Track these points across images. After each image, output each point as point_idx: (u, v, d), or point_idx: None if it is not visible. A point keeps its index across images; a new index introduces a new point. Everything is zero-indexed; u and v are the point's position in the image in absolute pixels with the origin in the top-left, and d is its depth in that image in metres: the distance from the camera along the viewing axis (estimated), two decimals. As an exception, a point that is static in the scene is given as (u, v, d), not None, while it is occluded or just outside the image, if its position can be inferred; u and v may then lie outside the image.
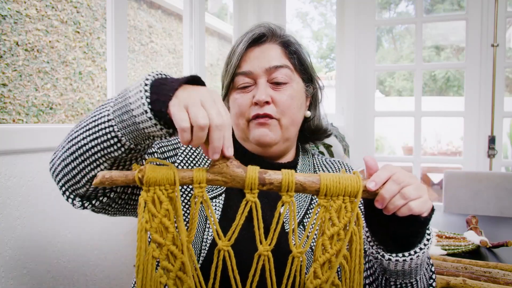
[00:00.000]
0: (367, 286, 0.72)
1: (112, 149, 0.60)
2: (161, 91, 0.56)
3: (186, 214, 0.76)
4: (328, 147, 2.20)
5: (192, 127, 0.53)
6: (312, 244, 0.77)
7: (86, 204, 0.68)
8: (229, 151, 0.56)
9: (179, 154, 0.81)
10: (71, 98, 2.60)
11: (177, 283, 0.55)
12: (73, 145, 0.64)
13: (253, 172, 0.56)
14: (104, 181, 0.55)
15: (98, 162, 0.62)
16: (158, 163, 0.68)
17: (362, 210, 0.72)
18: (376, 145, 5.56)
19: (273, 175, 0.56)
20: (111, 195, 0.69)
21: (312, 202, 0.83)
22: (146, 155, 0.75)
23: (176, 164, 0.80)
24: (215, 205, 0.78)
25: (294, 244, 0.57)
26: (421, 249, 0.63)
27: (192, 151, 0.83)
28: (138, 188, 0.73)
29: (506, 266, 1.06)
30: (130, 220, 1.36)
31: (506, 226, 1.59)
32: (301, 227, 0.78)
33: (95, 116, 0.63)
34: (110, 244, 1.30)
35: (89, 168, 0.63)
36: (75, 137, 0.64)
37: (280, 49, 0.83)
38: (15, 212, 0.99)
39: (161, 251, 0.55)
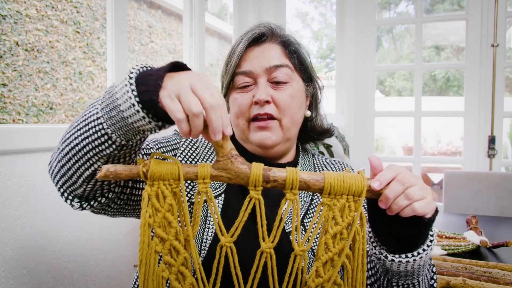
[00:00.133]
0: (368, 286, 0.72)
1: (103, 146, 0.60)
2: (148, 81, 0.55)
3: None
4: (328, 147, 2.20)
5: (187, 116, 0.53)
6: (313, 243, 0.77)
7: (84, 205, 0.68)
8: (228, 130, 0.55)
9: (178, 154, 0.81)
10: (71, 98, 2.60)
11: (179, 278, 0.55)
12: (66, 145, 0.63)
13: (257, 169, 0.56)
14: (108, 174, 0.54)
15: (91, 161, 0.61)
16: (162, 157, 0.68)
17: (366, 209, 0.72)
18: (376, 145, 5.56)
19: (278, 173, 0.56)
20: (110, 195, 0.69)
21: (313, 202, 0.82)
22: (140, 154, 0.75)
23: None
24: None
25: (297, 242, 0.57)
26: (424, 250, 0.63)
27: (192, 151, 0.83)
28: (137, 189, 0.73)
29: (506, 266, 1.06)
30: (130, 220, 1.36)
31: (506, 226, 1.59)
32: (301, 227, 0.78)
33: (85, 115, 0.63)
34: (110, 244, 1.30)
35: (83, 168, 0.62)
36: (68, 138, 0.64)
37: (280, 48, 0.83)
38: (15, 212, 0.99)
39: (163, 246, 0.55)
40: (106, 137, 0.59)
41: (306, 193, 0.83)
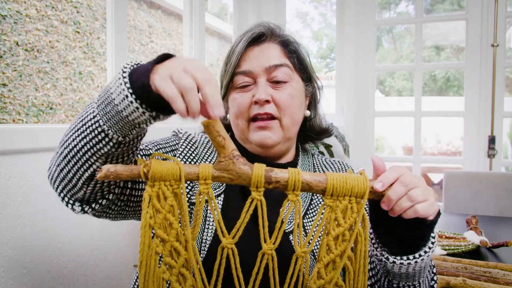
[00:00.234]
0: (369, 287, 0.72)
1: (101, 145, 0.59)
2: (139, 70, 0.55)
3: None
4: (328, 147, 2.20)
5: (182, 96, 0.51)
6: (315, 245, 0.77)
7: (86, 208, 0.68)
8: (221, 110, 0.53)
9: (177, 155, 0.81)
10: (71, 98, 2.60)
11: (179, 279, 0.55)
12: (64, 148, 0.64)
13: (259, 170, 0.56)
14: (108, 174, 0.54)
15: (90, 162, 0.61)
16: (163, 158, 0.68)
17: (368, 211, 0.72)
18: (376, 145, 5.56)
19: (280, 174, 0.56)
20: (110, 197, 0.69)
21: (312, 202, 0.82)
22: (139, 156, 0.75)
23: None
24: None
25: (299, 244, 0.57)
26: (425, 252, 0.62)
27: (190, 151, 0.82)
28: (136, 189, 0.73)
29: (506, 266, 1.06)
30: (130, 220, 1.36)
31: (506, 226, 1.59)
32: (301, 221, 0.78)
33: (82, 116, 0.63)
34: (110, 244, 1.30)
35: (82, 169, 0.62)
36: (66, 141, 0.64)
37: (279, 48, 0.83)
38: (15, 212, 0.99)
39: (164, 247, 0.55)
40: (103, 134, 0.59)
41: (306, 193, 0.83)
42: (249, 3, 2.38)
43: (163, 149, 0.81)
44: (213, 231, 0.74)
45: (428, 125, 6.86)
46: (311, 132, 0.91)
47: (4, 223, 0.96)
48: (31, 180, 1.03)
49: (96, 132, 0.59)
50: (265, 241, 0.56)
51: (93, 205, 0.68)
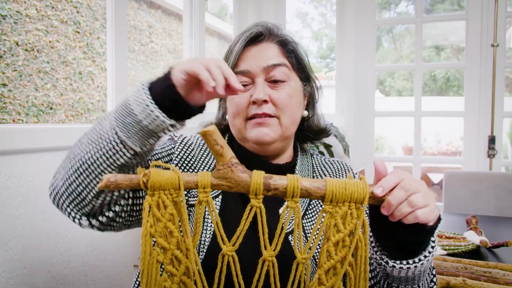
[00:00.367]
0: None
1: (118, 155, 0.62)
2: (157, 80, 0.64)
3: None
4: (328, 147, 2.20)
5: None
6: (316, 251, 0.76)
7: (93, 222, 0.69)
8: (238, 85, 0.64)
9: (173, 158, 0.81)
10: (71, 98, 2.60)
11: (181, 287, 0.55)
12: (76, 162, 0.65)
13: (258, 177, 0.55)
14: (109, 184, 0.55)
15: (104, 173, 0.63)
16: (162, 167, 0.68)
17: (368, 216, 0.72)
18: (376, 145, 5.56)
19: (278, 181, 0.56)
20: (116, 209, 0.70)
21: (311, 203, 0.82)
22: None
23: None
24: None
25: (299, 250, 0.57)
26: (425, 256, 0.62)
27: (186, 154, 0.82)
28: (138, 198, 0.73)
29: (506, 266, 1.06)
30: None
31: (506, 226, 1.59)
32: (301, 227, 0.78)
33: (96, 130, 0.66)
34: (110, 244, 1.30)
35: (94, 181, 0.64)
36: (78, 154, 0.65)
37: (277, 48, 0.82)
38: (15, 212, 0.99)
39: (165, 256, 0.55)
40: (121, 145, 0.62)
41: None
42: (249, 3, 2.38)
43: (159, 154, 0.81)
44: (212, 233, 0.74)
45: (428, 125, 6.86)
46: (309, 132, 0.91)
47: (4, 223, 0.96)
48: (31, 180, 1.03)
49: (114, 143, 0.62)
50: (265, 248, 0.56)
51: (99, 218, 0.69)
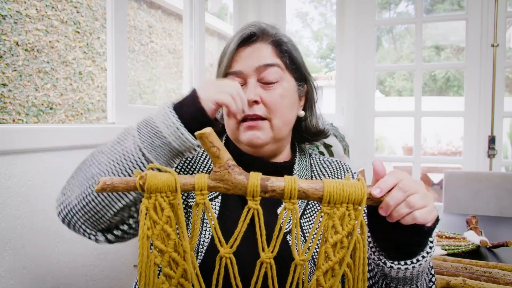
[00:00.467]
0: None
1: None
2: (185, 102, 0.69)
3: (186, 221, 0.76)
4: (328, 147, 2.20)
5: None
6: (314, 252, 0.76)
7: (109, 237, 0.71)
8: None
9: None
10: (71, 98, 2.60)
11: None
12: (95, 181, 0.66)
13: (255, 179, 0.55)
14: (105, 187, 0.55)
15: (126, 193, 0.65)
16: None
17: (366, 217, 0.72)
18: (376, 145, 5.56)
19: (276, 182, 0.55)
20: (130, 221, 0.71)
21: (309, 203, 0.82)
22: None
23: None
24: (212, 207, 0.77)
25: (297, 251, 0.57)
26: (423, 257, 0.62)
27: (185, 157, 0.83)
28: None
29: (506, 266, 1.06)
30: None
31: (506, 226, 1.59)
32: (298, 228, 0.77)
33: (115, 150, 0.67)
34: (110, 244, 1.30)
35: (117, 201, 0.66)
36: (97, 174, 0.66)
37: (271, 48, 0.81)
38: (15, 212, 0.99)
39: (163, 258, 0.55)
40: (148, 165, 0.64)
41: None
42: (249, 3, 2.38)
43: None
44: (210, 235, 0.74)
45: (428, 125, 6.86)
46: (306, 133, 0.90)
47: (4, 223, 0.97)
48: (31, 180, 1.03)
49: (140, 164, 0.65)
50: (263, 250, 0.56)
51: (114, 232, 0.70)
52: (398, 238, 0.60)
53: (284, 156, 0.86)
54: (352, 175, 0.89)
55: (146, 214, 0.54)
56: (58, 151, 1.08)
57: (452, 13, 6.17)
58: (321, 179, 0.57)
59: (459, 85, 8.45)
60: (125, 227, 0.70)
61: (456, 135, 7.19)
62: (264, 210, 0.56)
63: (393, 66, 6.46)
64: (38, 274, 1.05)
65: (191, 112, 0.67)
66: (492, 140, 2.25)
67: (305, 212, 0.80)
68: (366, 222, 0.65)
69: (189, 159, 0.83)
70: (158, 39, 3.82)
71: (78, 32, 2.64)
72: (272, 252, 0.56)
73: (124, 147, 0.66)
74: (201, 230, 0.74)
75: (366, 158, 2.53)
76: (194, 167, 0.82)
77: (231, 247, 0.56)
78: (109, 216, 0.67)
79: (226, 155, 0.56)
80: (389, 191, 0.56)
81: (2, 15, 2.07)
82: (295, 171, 0.84)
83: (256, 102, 0.77)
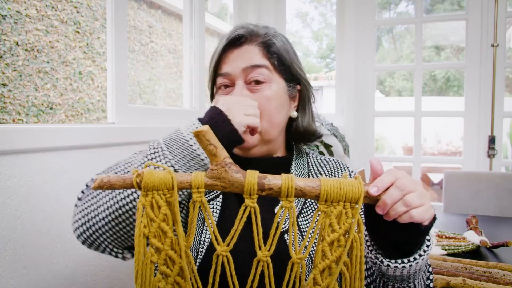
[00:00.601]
0: (364, 287, 0.72)
1: (179, 193, 0.67)
2: (215, 122, 0.70)
3: (183, 220, 0.76)
4: (328, 147, 2.20)
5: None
6: (312, 250, 0.76)
7: (134, 252, 0.70)
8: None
9: None
10: (71, 98, 2.60)
11: None
12: (127, 202, 0.66)
13: (252, 177, 0.55)
14: (102, 185, 0.54)
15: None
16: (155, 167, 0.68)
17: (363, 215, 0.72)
18: (376, 145, 5.56)
19: (273, 180, 0.55)
20: None
21: (307, 201, 0.82)
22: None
23: None
24: (213, 207, 0.77)
25: (294, 250, 0.57)
26: (420, 255, 0.62)
27: None
28: None
29: (506, 266, 1.06)
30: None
31: (506, 226, 1.59)
32: (296, 227, 0.77)
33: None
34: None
35: None
36: (128, 195, 0.66)
37: (258, 49, 0.81)
38: (15, 212, 0.99)
39: (159, 256, 0.55)
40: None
41: None
42: (249, 3, 2.38)
43: None
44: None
45: (428, 125, 6.87)
46: (295, 133, 0.89)
47: (4, 223, 0.97)
48: (31, 180, 1.04)
49: None
50: (260, 248, 0.56)
51: None
52: (395, 236, 0.60)
53: (278, 155, 0.87)
54: (350, 174, 0.88)
55: (143, 212, 0.54)
56: (58, 151, 1.08)
57: (452, 13, 6.17)
58: (318, 178, 0.58)
59: (459, 85, 8.45)
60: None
61: (456, 135, 7.19)
62: (261, 209, 0.56)
63: (393, 66, 6.46)
64: (38, 274, 1.05)
65: (225, 132, 0.69)
66: (492, 140, 2.25)
67: (303, 211, 0.80)
68: (363, 221, 0.65)
69: None
70: (158, 39, 3.82)
71: (78, 32, 2.64)
72: (269, 250, 0.56)
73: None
74: (201, 229, 0.74)
75: (366, 158, 2.53)
76: None
77: (228, 245, 0.56)
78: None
79: (223, 153, 0.56)
80: (386, 189, 0.56)
81: (2, 15, 2.07)
82: (292, 171, 0.84)
83: None
